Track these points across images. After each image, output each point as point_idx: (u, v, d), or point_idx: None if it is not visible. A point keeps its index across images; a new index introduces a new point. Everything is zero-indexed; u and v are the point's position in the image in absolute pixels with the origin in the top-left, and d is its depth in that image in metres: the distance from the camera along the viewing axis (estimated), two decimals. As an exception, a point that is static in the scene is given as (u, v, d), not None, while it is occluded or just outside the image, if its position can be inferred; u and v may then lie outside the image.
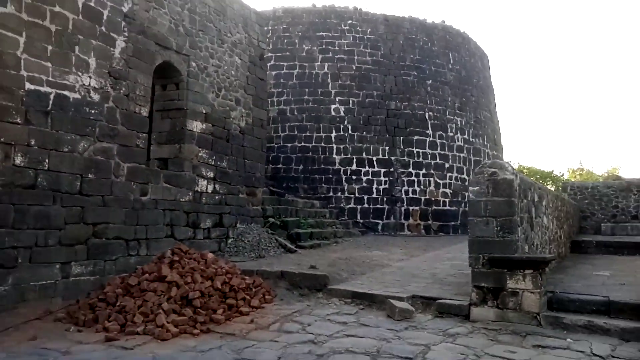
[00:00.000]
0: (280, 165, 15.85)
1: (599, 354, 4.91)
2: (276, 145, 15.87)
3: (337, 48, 16.56)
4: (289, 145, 16.06)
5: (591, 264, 10.45)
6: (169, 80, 9.52)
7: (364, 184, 15.80)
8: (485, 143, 18.93)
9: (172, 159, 9.28)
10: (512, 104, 79.21)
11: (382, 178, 15.89)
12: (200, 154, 9.66)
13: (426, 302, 6.83)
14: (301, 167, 15.88)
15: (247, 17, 11.56)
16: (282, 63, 16.44)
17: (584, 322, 5.73)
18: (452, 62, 18.11)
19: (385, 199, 15.83)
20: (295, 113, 16.21)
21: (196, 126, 9.63)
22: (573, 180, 53.12)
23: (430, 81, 17.22)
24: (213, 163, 10.00)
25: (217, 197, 10.03)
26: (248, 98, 11.34)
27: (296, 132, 16.08)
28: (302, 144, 15.99)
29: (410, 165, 16.21)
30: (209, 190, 9.84)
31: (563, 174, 54.91)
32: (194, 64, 9.68)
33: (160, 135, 9.46)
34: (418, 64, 17.21)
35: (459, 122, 17.56)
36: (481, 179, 6.54)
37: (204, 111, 9.87)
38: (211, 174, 9.91)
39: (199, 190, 9.56)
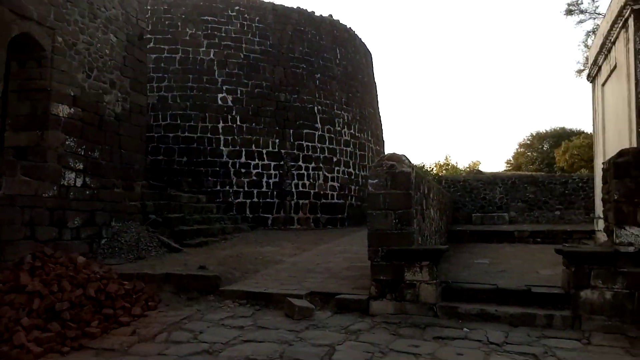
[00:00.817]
0: (161, 157, 14.65)
1: (494, 342, 5.03)
2: (156, 135, 14.63)
3: (224, 34, 15.72)
4: (171, 135, 14.91)
5: (470, 252, 11.13)
6: (29, 56, 8.10)
7: (254, 178, 15.24)
8: (370, 138, 19.45)
9: (32, 148, 7.91)
10: (388, 101, 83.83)
11: (272, 171, 15.46)
12: (67, 143, 8.39)
13: (325, 299, 6.60)
14: (185, 159, 14.83)
15: (124, -9, 10.35)
16: (162, 46, 15.19)
17: (477, 310, 5.90)
18: (339, 57, 18.25)
19: (275, 192, 15.44)
20: (178, 101, 15.08)
21: (62, 110, 8.33)
22: (440, 174, 57.67)
23: (319, 75, 17.17)
24: (83, 153, 8.76)
25: (87, 192, 8.81)
26: (125, 81, 10.16)
27: (179, 122, 14.97)
28: (186, 134, 14.94)
29: (300, 159, 16.00)
30: (78, 184, 8.60)
31: (432, 168, 59.40)
32: (60, 39, 8.36)
33: (17, 120, 8.02)
34: (307, 56, 17.04)
35: (346, 117, 17.77)
36: (380, 172, 6.45)
37: (72, 93, 8.59)
38: (81, 166, 8.67)
39: (66, 184, 8.29)
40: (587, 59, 23.84)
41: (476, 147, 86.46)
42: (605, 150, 10.11)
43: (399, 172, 6.37)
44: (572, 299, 5.56)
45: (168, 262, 8.54)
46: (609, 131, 9.86)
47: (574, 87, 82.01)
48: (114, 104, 9.79)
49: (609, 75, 9.47)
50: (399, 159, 6.50)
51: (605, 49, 9.36)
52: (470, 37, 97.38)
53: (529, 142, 51.94)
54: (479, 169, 62.08)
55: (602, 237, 10.36)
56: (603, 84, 10.13)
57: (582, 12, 23.38)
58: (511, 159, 54.35)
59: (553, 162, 42.31)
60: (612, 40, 8.81)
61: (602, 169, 5.95)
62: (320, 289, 6.86)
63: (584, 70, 24.22)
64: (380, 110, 21.91)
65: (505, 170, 49.06)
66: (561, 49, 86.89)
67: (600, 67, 10.23)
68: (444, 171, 60.49)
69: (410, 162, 6.63)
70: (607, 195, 5.82)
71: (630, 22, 7.59)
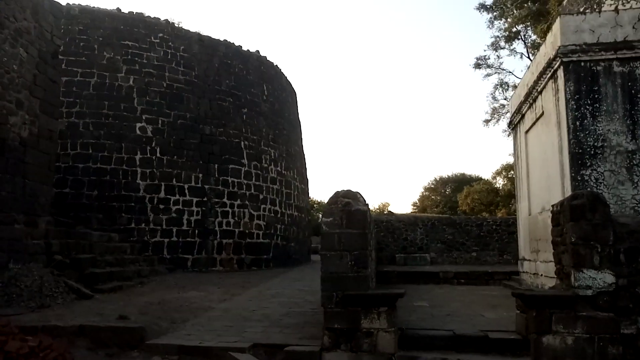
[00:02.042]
0: (67, 190, 13.07)
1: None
2: (63, 165, 13.08)
3: (145, 61, 14.75)
4: (81, 165, 13.42)
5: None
6: None
7: (173, 215, 14.08)
8: (296, 176, 19.10)
9: None
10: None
11: (194, 208, 14.40)
12: (-42, 169, 7.05)
13: (271, 351, 5.91)
14: (96, 192, 13.37)
15: (38, 3, 9.28)
16: (76, 69, 13.86)
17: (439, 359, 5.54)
18: (266, 93, 17.92)
19: (197, 231, 14.35)
20: (91, 128, 13.71)
21: (-45, 130, 7.03)
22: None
23: (246, 109, 16.65)
24: (-22, 182, 7.42)
25: (-19, 228, 7.42)
26: (34, 102, 8.95)
27: (91, 151, 13.55)
28: (98, 165, 13.53)
29: (225, 195, 15.13)
30: (-30, 219, 7.21)
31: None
32: (-44, 47, 7.15)
33: None
34: (234, 90, 16.49)
35: (272, 154, 17.30)
36: (335, 210, 6.01)
37: (-31, 111, 7.32)
38: (-26, 197, 7.31)
39: (-46, 218, 6.91)
40: (494, 110, 25.80)
41: (384, 189, 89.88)
42: (530, 194, 10.58)
43: (355, 210, 5.98)
44: (534, 345, 5.40)
45: (79, 311, 7.33)
46: (533, 175, 10.34)
47: (475, 135, 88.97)
48: (20, 127, 8.54)
49: (534, 123, 10.01)
50: (354, 197, 6.13)
51: (530, 98, 9.91)
52: (386, 81, 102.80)
53: (432, 186, 54.87)
54: (389, 209, 64.24)
55: (527, 278, 10.69)
56: (527, 131, 10.69)
57: (489, 66, 25.35)
58: (417, 201, 57.00)
59: (456, 205, 44.90)
60: (538, 90, 9.34)
61: (552, 211, 6.00)
62: (264, 340, 6.16)
63: (490, 120, 26.13)
64: (304, 149, 21.74)
65: (411, 212, 51.22)
66: (465, 99, 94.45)
67: (523, 115, 10.82)
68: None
69: (364, 200, 6.29)
70: (560, 237, 5.84)
71: (560, 73, 8.07)
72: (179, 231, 14.08)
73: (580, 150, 7.70)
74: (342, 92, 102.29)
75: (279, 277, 13.72)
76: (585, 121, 7.76)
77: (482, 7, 24.92)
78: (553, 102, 8.53)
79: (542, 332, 5.37)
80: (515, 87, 24.98)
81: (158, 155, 14.19)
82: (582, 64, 7.87)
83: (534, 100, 9.84)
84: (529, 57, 25.20)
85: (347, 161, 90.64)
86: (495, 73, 25.60)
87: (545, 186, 9.30)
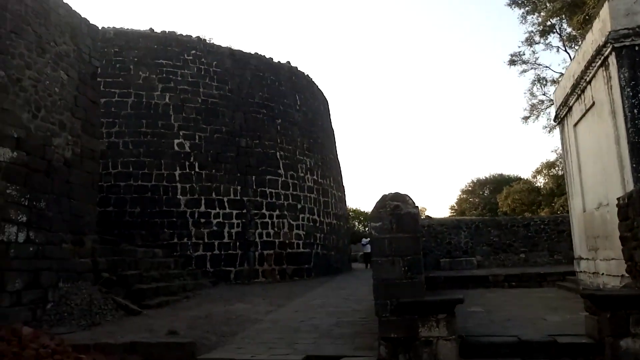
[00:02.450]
0: (111, 208, 13.29)
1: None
2: (106, 185, 13.32)
3: (179, 78, 14.95)
4: (123, 184, 13.64)
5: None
6: (-37, 90, 7.00)
7: (214, 228, 14.11)
8: (332, 184, 18.91)
9: (-37, 197, 6.66)
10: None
11: (234, 220, 14.41)
12: (8, 191, 7.18)
13: (325, 364, 5.69)
14: (138, 209, 13.55)
15: (77, 26, 9.48)
16: (113, 90, 14.16)
17: (506, 368, 5.20)
18: (299, 103, 17.88)
19: (238, 243, 14.33)
20: (130, 147, 13.94)
21: (4, 154, 7.18)
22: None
23: (280, 120, 16.63)
24: (27, 203, 7.54)
25: (31, 249, 7.52)
26: (76, 123, 9.10)
27: (131, 169, 13.77)
28: (140, 182, 13.73)
29: (264, 206, 15.09)
30: (20, 240, 7.32)
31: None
32: (2, 73, 7.32)
33: (-54, 165, 6.78)
34: (267, 102, 16.51)
35: (308, 163, 17.19)
36: (383, 214, 5.78)
37: (16, 135, 7.47)
38: (24, 218, 7.42)
39: (6, 239, 7.02)
40: (532, 106, 24.98)
41: (420, 194, 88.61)
42: (584, 189, 10.05)
43: (405, 213, 5.73)
44: (611, 349, 4.99)
45: (129, 328, 7.31)
46: (586, 170, 9.82)
47: (511, 134, 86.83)
48: (64, 148, 8.67)
49: (584, 115, 9.52)
50: (403, 199, 5.88)
51: (578, 89, 9.44)
52: (419, 84, 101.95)
53: (470, 188, 53.60)
54: (427, 214, 63.15)
55: (586, 278, 10.11)
56: (575, 124, 10.19)
57: (524, 62, 24.62)
58: (455, 204, 55.79)
59: (495, 207, 43.67)
60: (587, 80, 8.87)
61: (618, 204, 5.59)
62: (317, 352, 5.96)
63: (529, 117, 25.31)
64: (339, 157, 21.56)
65: (450, 216, 50.15)
66: (499, 98, 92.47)
67: (571, 108, 10.33)
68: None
69: (413, 202, 6.03)
70: (630, 232, 5.42)
71: (612, 59, 7.62)
72: (220, 244, 14.09)
73: (640, 139, 7.23)
74: (374, 97, 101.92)
75: (322, 287, 13.51)
76: (644, 108, 7.28)
77: (514, 2, 24.29)
78: (605, 91, 8.06)
79: (620, 335, 4.96)
80: (554, 81, 24.18)
81: (197, 169, 14.29)
82: (637, 48, 7.40)
83: (583, 91, 9.36)
84: (565, 50, 24.40)
85: (380, 167, 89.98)
86: (532, 69, 24.86)
87: (601, 180, 8.78)
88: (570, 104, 10.27)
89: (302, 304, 10.16)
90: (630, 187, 7.23)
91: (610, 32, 7.51)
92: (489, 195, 49.68)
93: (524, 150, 79.47)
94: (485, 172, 78.81)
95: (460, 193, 55.70)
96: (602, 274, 8.93)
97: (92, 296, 8.16)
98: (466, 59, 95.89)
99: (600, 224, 8.92)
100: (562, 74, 25.13)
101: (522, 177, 47.88)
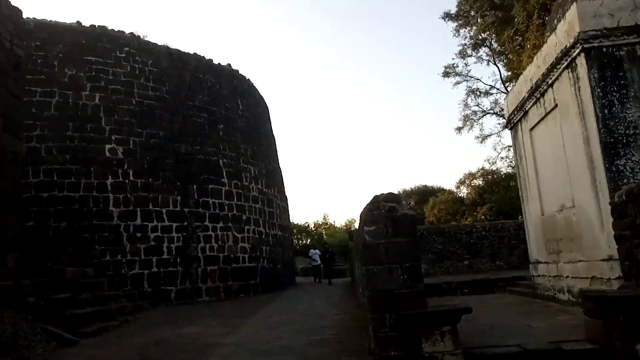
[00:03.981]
0: (31, 223, 11.60)
1: None
2: (25, 196, 11.59)
3: (111, 77, 13.55)
4: (45, 195, 12.00)
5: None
6: None
7: (152, 243, 12.78)
8: (276, 194, 18.12)
9: None
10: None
11: (174, 234, 13.15)
12: None
13: (317, 391, 4.95)
14: (64, 224, 11.95)
15: (-6, 8, 8.08)
16: (34, 88, 12.50)
17: (518, 382, 4.75)
18: (241, 108, 16.97)
19: (179, 259, 13.09)
20: (55, 153, 12.33)
21: None
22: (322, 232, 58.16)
23: (222, 125, 15.63)
24: None
25: (-63, 271, 6.10)
26: (-5, 120, 7.69)
27: (56, 178, 12.16)
28: (65, 193, 12.14)
29: (207, 218, 13.96)
30: None
31: (316, 228, 59.65)
32: None
33: None
34: (208, 105, 15.47)
35: (252, 171, 16.29)
36: (378, 216, 5.19)
37: None
38: None
39: None
40: (466, 117, 25.77)
41: (349, 205, 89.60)
42: (542, 193, 10.09)
43: (402, 215, 5.18)
44: (624, 354, 4.70)
45: (67, 363, 6.11)
46: (545, 174, 9.87)
47: (434, 146, 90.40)
48: (-21, 149, 7.25)
49: (542, 118, 9.57)
50: (398, 200, 5.34)
51: (537, 92, 9.49)
52: (349, 94, 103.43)
53: (396, 199, 54.98)
54: (355, 226, 63.58)
55: (545, 282, 10.13)
56: (532, 128, 10.26)
57: (457, 74, 25.42)
58: (383, 216, 56.82)
59: (422, 217, 45.03)
60: (549, 82, 8.91)
61: (614, 202, 5.39)
62: (302, 378, 5.18)
63: (463, 127, 26.10)
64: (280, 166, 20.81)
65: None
66: (427, 110, 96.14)
67: (526, 112, 10.41)
68: (323, 230, 61.21)
69: (406, 204, 5.48)
70: (630, 230, 5.21)
71: (581, 60, 7.62)
72: (159, 261, 12.79)
73: (612, 140, 7.22)
74: (303, 107, 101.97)
75: (274, 303, 12.65)
76: (614, 109, 7.31)
77: (447, 15, 25.11)
78: (571, 92, 8.07)
79: (634, 339, 4.68)
80: (487, 93, 25.16)
81: (131, 178, 12.94)
82: (604, 49, 7.44)
83: (542, 95, 9.41)
84: (495, 64, 25.52)
85: (305, 178, 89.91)
86: (464, 81, 25.73)
87: (563, 183, 8.80)
88: (527, 109, 10.34)
89: (259, 323, 9.28)
90: (604, 187, 7.19)
91: (579, 33, 7.50)
92: (415, 206, 51.11)
93: (447, 162, 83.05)
94: (410, 183, 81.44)
95: (387, 204, 56.78)
96: (567, 276, 8.91)
97: (16, 326, 6.78)
98: (400, 71, 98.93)
99: (564, 226, 8.92)
100: (492, 86, 26.36)
101: (444, 187, 49.83)
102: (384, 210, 5.19)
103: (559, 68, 8.41)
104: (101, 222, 12.32)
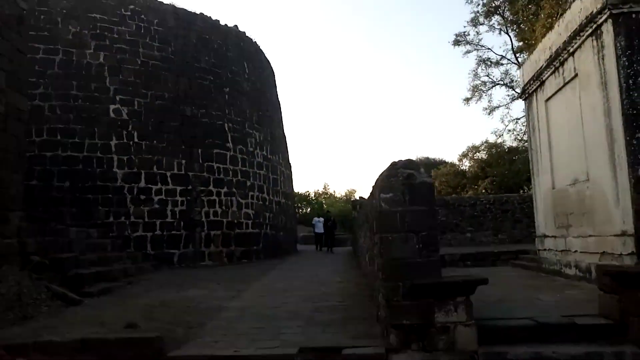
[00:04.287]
0: (34, 182, 11.47)
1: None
2: (28, 155, 11.43)
3: (116, 35, 13.18)
4: (49, 154, 11.84)
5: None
6: None
7: (156, 206, 12.69)
8: (280, 161, 17.93)
9: None
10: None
11: (178, 198, 13.05)
12: None
13: (325, 356, 4.88)
14: (67, 184, 11.83)
15: (-5, -44, 7.73)
16: (37, 45, 12.15)
17: (531, 355, 4.69)
18: (247, 71, 16.61)
19: (182, 223, 13.02)
20: (58, 112, 12.11)
21: None
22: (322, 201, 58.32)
23: (228, 89, 15.31)
24: None
25: (-60, 226, 5.99)
26: (0, 75, 7.47)
27: (59, 137, 11.98)
28: (69, 152, 11.97)
29: (211, 183, 13.83)
30: None
31: (316, 197, 59.77)
32: None
33: None
34: (214, 67, 15.11)
35: (257, 137, 16.06)
36: (395, 183, 5.01)
37: None
38: None
39: None
40: (474, 87, 25.28)
41: (350, 175, 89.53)
42: (554, 166, 9.90)
43: (420, 182, 5.00)
44: (638, 330, 4.61)
45: (72, 321, 6.07)
46: (559, 146, 9.65)
47: (437, 117, 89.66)
48: (-18, 104, 7.06)
49: (560, 88, 9.29)
50: (417, 167, 5.15)
51: (557, 61, 9.18)
52: (355, 62, 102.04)
53: (398, 170, 54.88)
54: (355, 195, 64.09)
55: (551, 256, 10.04)
56: (548, 99, 9.99)
57: (468, 43, 24.83)
58: (385, 186, 56.91)
59: (424, 189, 44.83)
60: (570, 51, 8.60)
61: (636, 176, 5.19)
62: (311, 343, 5.13)
63: (471, 98, 25.67)
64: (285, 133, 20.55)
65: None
66: (432, 81, 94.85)
67: (543, 82, 10.11)
68: (323, 199, 61.33)
69: (425, 171, 5.31)
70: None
71: (607, 27, 7.31)
72: (162, 224, 12.73)
73: (635, 111, 6.96)
74: (310, 75, 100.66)
75: (277, 269, 12.64)
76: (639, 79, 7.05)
77: (460, -18, 24.27)
78: (594, 61, 7.78)
79: (653, 314, 4.59)
80: (497, 63, 24.62)
81: (136, 140, 12.74)
82: (634, 15, 7.12)
83: (562, 64, 9.09)
84: (507, 33, 24.90)
85: (306, 146, 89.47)
86: (475, 50, 25.13)
87: (578, 156, 8.59)
88: (544, 78, 10.03)
89: (263, 288, 9.26)
90: (623, 161, 7.00)
91: (607, -2, 7.16)
92: (416, 178, 50.92)
93: (450, 134, 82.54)
94: (412, 154, 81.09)
95: (389, 175, 56.86)
96: (575, 251, 8.81)
97: (21, 284, 6.74)
98: (410, 39, 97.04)
99: (576, 200, 8.77)
100: (502, 56, 25.79)
101: (447, 160, 49.56)
102: (402, 177, 5.02)
103: (583, 35, 8.08)
104: (105, 184, 12.19)
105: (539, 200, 10.89)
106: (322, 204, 53.10)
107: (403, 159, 5.21)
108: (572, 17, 8.50)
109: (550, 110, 10.07)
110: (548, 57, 9.59)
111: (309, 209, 56.11)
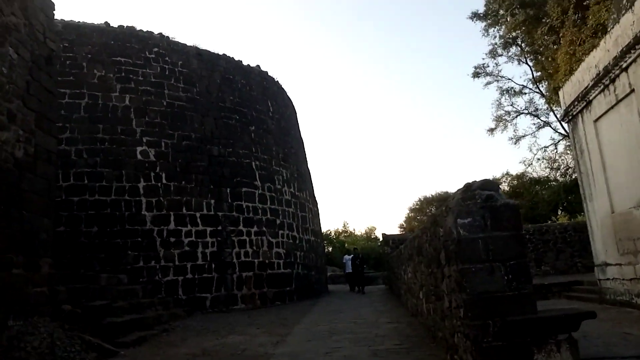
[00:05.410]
0: (62, 228, 11.08)
1: None
2: (56, 199, 11.13)
3: (141, 78, 13.10)
4: (76, 199, 11.51)
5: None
6: None
7: (186, 248, 12.20)
8: (308, 198, 17.46)
9: None
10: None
11: (208, 239, 12.56)
12: (-62, 196, 5.22)
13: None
14: (95, 229, 11.44)
15: (27, -2, 7.62)
16: (63, 90, 12.05)
17: (654, 401, 3.97)
18: (272, 110, 16.42)
19: (213, 265, 12.47)
20: (85, 156, 11.87)
21: None
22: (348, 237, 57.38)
23: (254, 127, 15.07)
24: (-35, 214, 5.58)
25: (-30, 275, 5.54)
26: (29, 115, 7.19)
27: (87, 181, 11.68)
28: (97, 197, 11.64)
29: (241, 222, 13.35)
30: (-44, 263, 5.34)
31: (337, 236, 58.91)
32: None
33: None
34: (239, 107, 14.93)
35: (284, 174, 15.67)
36: (472, 207, 4.46)
37: (-50, 121, 5.54)
38: (-39, 233, 5.45)
39: None
40: (498, 117, 24.86)
41: (367, 213, 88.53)
42: (610, 189, 9.26)
43: (503, 204, 4.44)
44: None
45: (112, 377, 5.47)
46: (615, 167, 9.05)
47: (455, 151, 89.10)
48: (14, 145, 6.75)
49: (613, 106, 8.78)
50: (496, 188, 4.59)
51: (607, 79, 8.71)
52: (371, 99, 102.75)
53: (417, 206, 54.05)
54: (376, 234, 63.08)
55: (617, 286, 9.24)
56: (597, 119, 9.46)
57: (488, 74, 24.59)
58: (404, 223, 55.97)
59: (444, 224, 43.92)
60: (622, 66, 8.14)
61: None
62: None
63: (495, 128, 25.20)
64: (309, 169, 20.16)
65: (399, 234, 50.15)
66: (451, 113, 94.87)
67: (590, 102, 9.61)
68: (343, 237, 60.47)
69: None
70: None
71: (669, 36, 6.88)
72: (193, 267, 12.19)
73: None
74: (324, 111, 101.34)
75: (313, 311, 11.92)
76: None
77: (475, 15, 24.31)
78: (655, 74, 7.29)
79: None
80: (520, 92, 24.24)
81: (164, 181, 12.40)
82: (698, 22, 6.69)
83: (612, 81, 8.62)
84: (526, 63, 24.64)
85: (324, 185, 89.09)
86: (495, 80, 24.83)
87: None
88: (590, 98, 9.54)
89: (307, 332, 8.56)
90: None
91: (667, 6, 6.75)
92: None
93: (470, 168, 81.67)
94: (431, 190, 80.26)
95: (408, 211, 56.27)
96: (648, 279, 8.05)
97: (53, 335, 6.20)
98: (429, 73, 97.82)
99: (645, 223, 8.08)
100: (524, 86, 25.47)
101: (464, 194, 48.77)
102: (480, 200, 4.46)
103: (638, 48, 7.63)
104: (134, 227, 11.77)
105: (596, 227, 10.17)
106: (343, 242, 52.22)
107: (480, 180, 4.67)
108: (623, 31, 8.08)
109: (600, 130, 9.52)
110: (594, 76, 9.14)
111: (330, 248, 55.33)
